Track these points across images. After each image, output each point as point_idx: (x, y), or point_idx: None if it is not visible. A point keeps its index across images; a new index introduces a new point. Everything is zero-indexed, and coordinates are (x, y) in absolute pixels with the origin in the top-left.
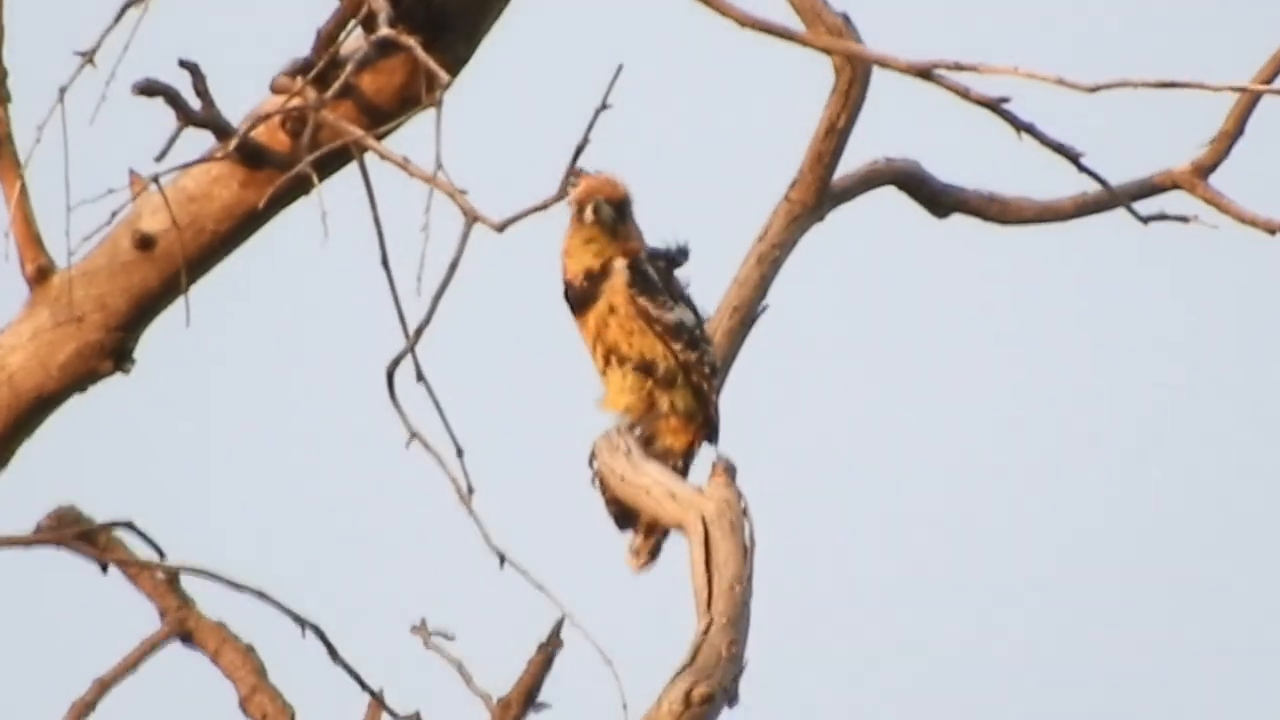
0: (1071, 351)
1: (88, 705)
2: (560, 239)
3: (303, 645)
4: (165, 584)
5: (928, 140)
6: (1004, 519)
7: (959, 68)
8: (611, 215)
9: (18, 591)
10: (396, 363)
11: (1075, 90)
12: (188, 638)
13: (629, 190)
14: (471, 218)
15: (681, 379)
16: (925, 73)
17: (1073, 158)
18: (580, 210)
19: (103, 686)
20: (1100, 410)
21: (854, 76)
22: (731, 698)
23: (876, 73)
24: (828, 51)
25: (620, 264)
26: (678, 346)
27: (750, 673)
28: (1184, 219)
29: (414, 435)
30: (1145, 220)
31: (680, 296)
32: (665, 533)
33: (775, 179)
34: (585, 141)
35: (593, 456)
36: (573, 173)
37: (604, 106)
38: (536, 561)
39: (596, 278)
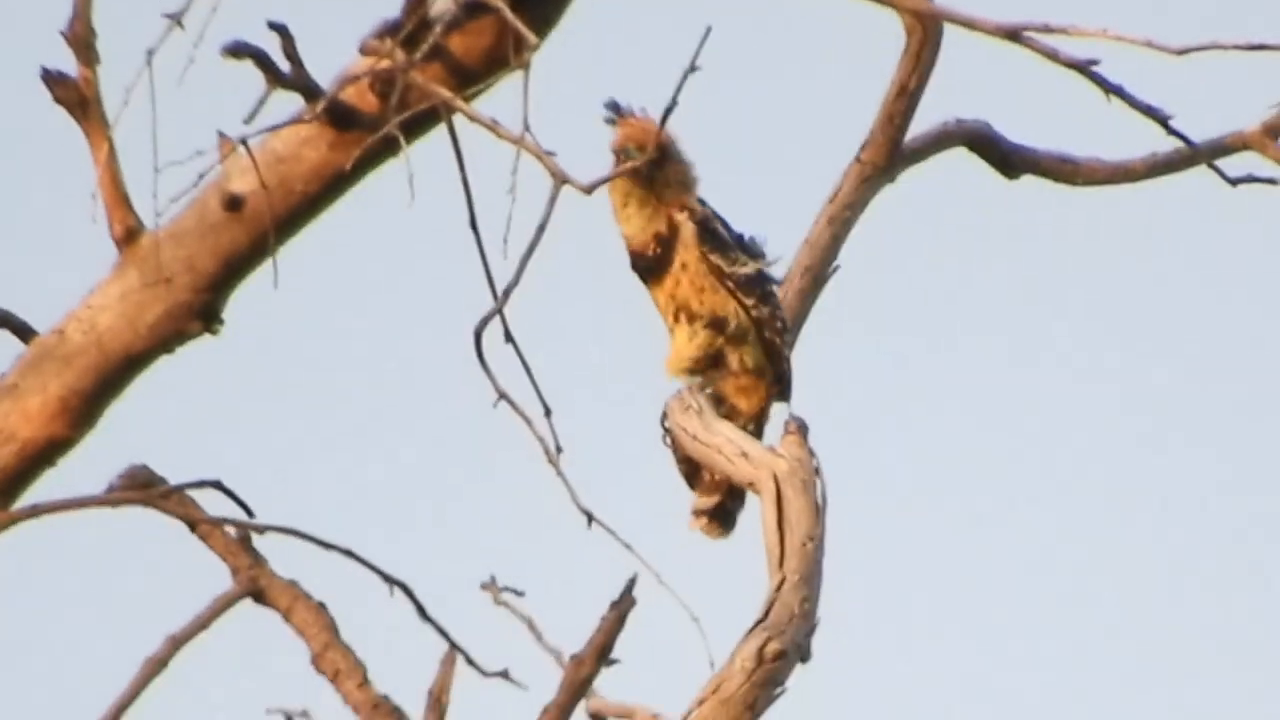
0: (1143, 312)
1: (160, 662)
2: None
3: (378, 607)
4: (237, 543)
5: (996, 104)
6: (1077, 478)
7: (1047, 30)
8: (636, 157)
9: (92, 550)
10: (484, 323)
11: (1163, 54)
12: (260, 596)
13: (666, 135)
14: (559, 180)
15: (753, 335)
16: (1014, 35)
17: (1162, 120)
18: (616, 159)
19: (175, 644)
20: (1176, 369)
21: (925, 38)
22: (804, 654)
23: (947, 35)
24: (915, 13)
25: (687, 224)
26: (750, 301)
27: (822, 630)
28: (1273, 181)
29: (502, 396)
30: (1234, 182)
31: (753, 253)
32: (732, 495)
33: (847, 140)
34: (674, 103)
35: (665, 416)
36: (615, 116)
37: (693, 69)
38: (622, 520)
39: (668, 241)
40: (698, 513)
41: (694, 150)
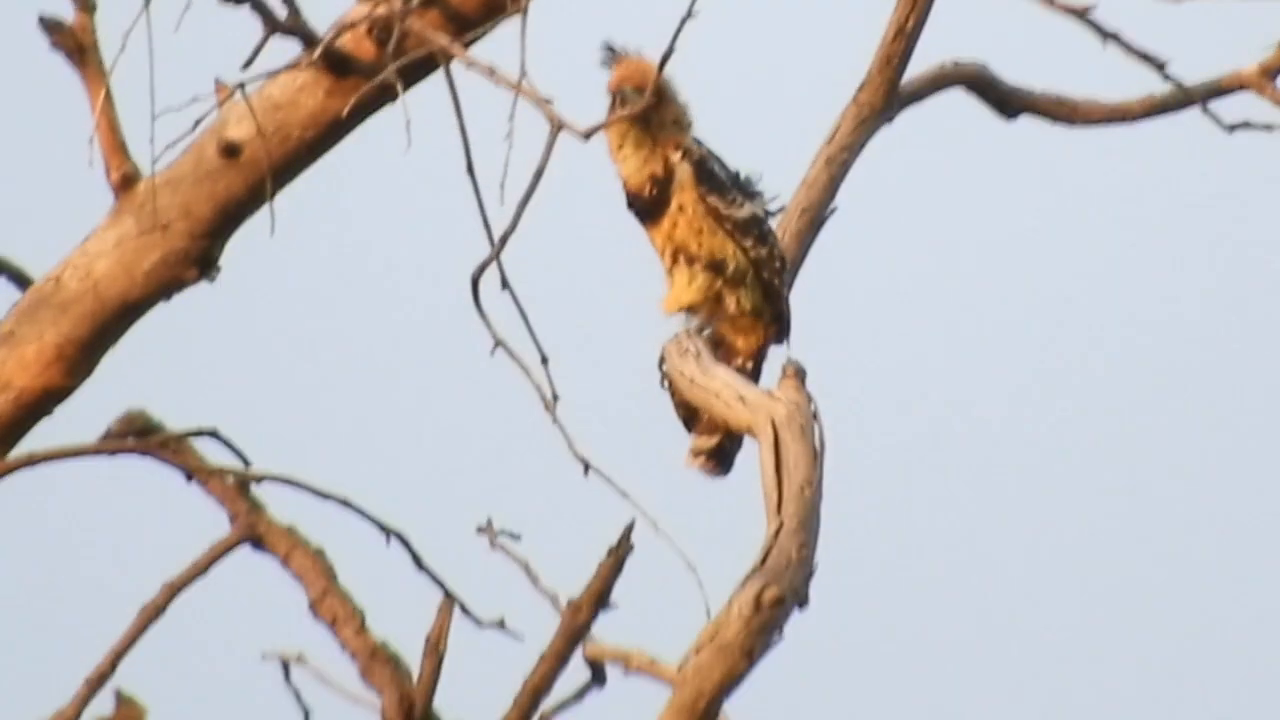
0: (1141, 253)
1: (157, 609)
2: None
3: (375, 553)
4: (235, 489)
5: (993, 47)
6: (1074, 425)
7: None
8: (637, 99)
9: (88, 496)
10: (481, 270)
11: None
12: (258, 542)
13: (661, 76)
14: (557, 126)
15: (752, 276)
16: None
17: (1158, 65)
18: (611, 103)
19: (172, 590)
20: (1171, 310)
21: None
22: (802, 600)
23: None
24: None
25: (684, 164)
26: (748, 243)
27: (820, 576)
28: (1269, 127)
29: (499, 343)
30: (1230, 129)
31: (749, 193)
32: (730, 436)
33: (844, 81)
34: (671, 50)
35: (662, 360)
36: (611, 58)
37: (690, 14)
38: (619, 467)
39: (664, 183)
40: (696, 452)
41: (691, 92)
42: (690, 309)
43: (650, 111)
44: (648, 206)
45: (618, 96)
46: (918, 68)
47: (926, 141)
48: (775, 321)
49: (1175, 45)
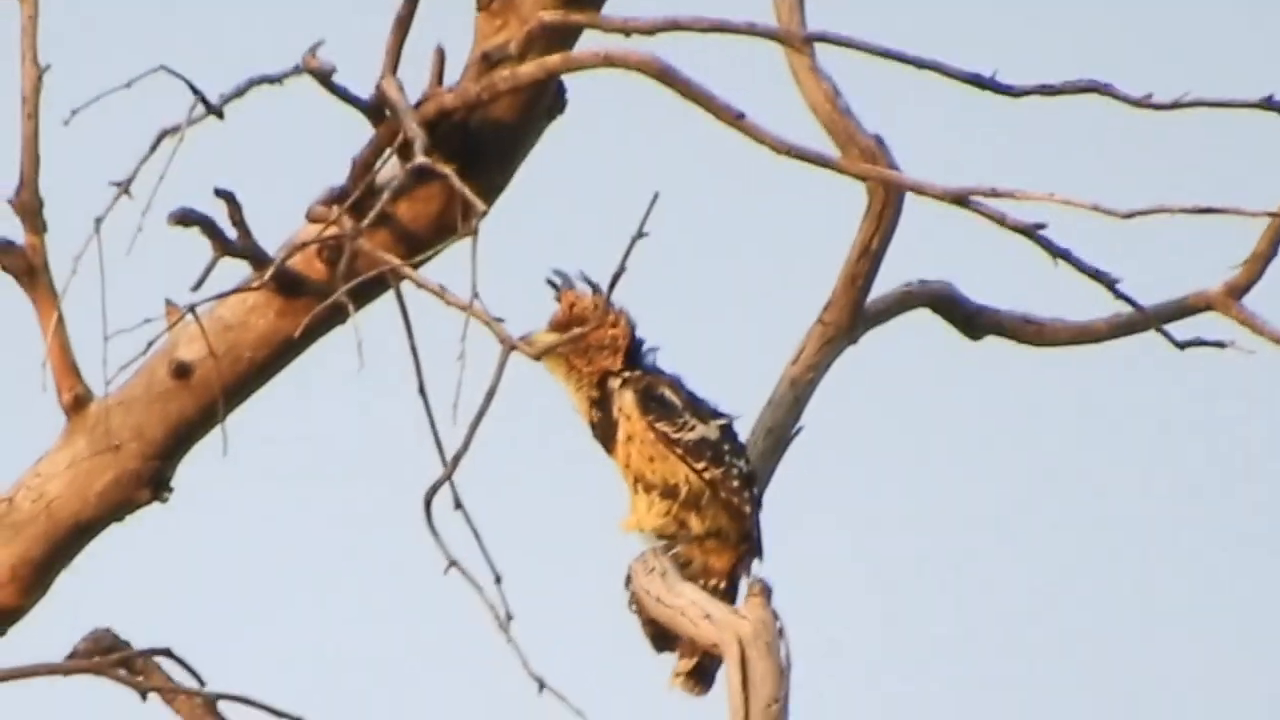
0: (1109, 473)
1: None
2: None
3: None
4: (203, 709)
5: (961, 261)
6: (1047, 640)
7: (995, 194)
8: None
9: (56, 718)
10: (434, 490)
11: (1111, 217)
12: None
13: (580, 304)
14: (508, 346)
15: (708, 497)
16: (961, 199)
17: (1109, 284)
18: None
19: None
20: (1136, 531)
21: (887, 199)
22: None
23: (910, 196)
24: (863, 178)
25: (627, 393)
26: (700, 465)
27: None
28: (1220, 344)
29: (452, 563)
30: (1181, 346)
31: (708, 413)
32: (709, 655)
33: (808, 301)
34: (622, 269)
35: (629, 579)
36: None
37: (640, 234)
38: (574, 686)
39: (603, 403)
40: (677, 674)
41: (654, 312)
42: (653, 533)
43: (583, 341)
44: (600, 433)
45: (561, 328)
46: (884, 283)
47: (892, 361)
48: (744, 540)
49: (1136, 261)
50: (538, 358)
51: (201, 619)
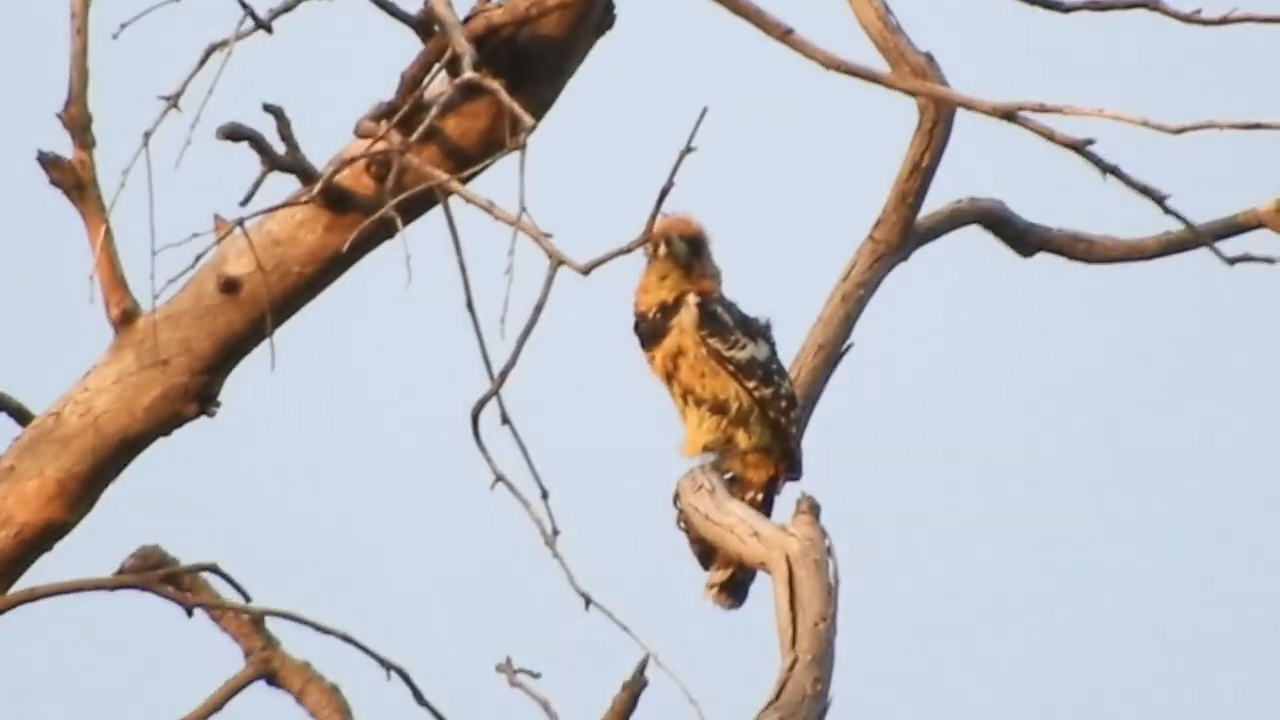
0: (1156, 390)
1: None
2: (636, 280)
3: (388, 686)
4: (250, 625)
5: (1011, 179)
6: (1094, 559)
7: (1043, 109)
8: (685, 250)
9: (103, 633)
10: (482, 405)
11: (1161, 132)
12: (273, 678)
13: (704, 229)
14: (556, 261)
15: (757, 415)
16: (1010, 114)
17: (1158, 199)
18: (655, 247)
19: None
20: (1187, 446)
21: (938, 116)
22: None
23: (960, 112)
24: (912, 94)
25: (692, 300)
26: (751, 384)
27: (834, 710)
28: (1270, 260)
29: (499, 478)
30: (1231, 261)
31: (758, 332)
32: (743, 568)
33: (860, 218)
34: (670, 184)
35: (677, 496)
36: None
37: (689, 149)
38: (621, 601)
39: (669, 310)
40: (710, 585)
41: (708, 228)
42: (706, 449)
43: (692, 259)
44: (649, 330)
45: (664, 241)
46: (934, 202)
47: (942, 277)
48: (785, 458)
49: (1192, 180)
50: (587, 273)
51: (248, 535)
